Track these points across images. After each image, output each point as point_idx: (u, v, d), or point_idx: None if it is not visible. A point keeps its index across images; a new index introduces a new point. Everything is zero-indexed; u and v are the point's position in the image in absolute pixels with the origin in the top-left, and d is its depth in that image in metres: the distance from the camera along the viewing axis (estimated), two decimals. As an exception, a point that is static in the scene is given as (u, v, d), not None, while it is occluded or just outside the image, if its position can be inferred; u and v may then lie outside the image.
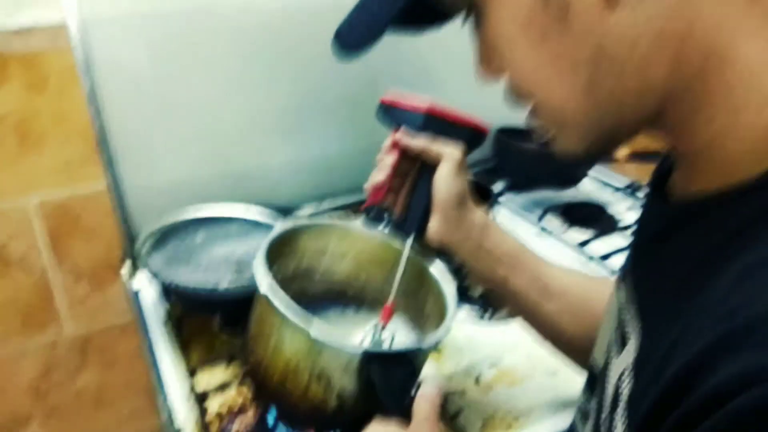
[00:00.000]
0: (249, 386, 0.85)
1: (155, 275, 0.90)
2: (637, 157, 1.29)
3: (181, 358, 0.90)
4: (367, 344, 0.69)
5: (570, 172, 1.33)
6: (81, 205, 1.14)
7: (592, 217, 1.28)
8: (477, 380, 0.87)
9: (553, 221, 1.28)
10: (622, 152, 1.28)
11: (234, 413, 0.82)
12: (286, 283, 0.77)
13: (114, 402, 1.34)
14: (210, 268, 0.99)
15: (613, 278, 0.58)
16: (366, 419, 0.62)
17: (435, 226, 0.72)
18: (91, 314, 1.25)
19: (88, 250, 1.17)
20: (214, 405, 0.84)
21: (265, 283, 0.65)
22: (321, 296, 0.84)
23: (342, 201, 1.25)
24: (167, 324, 0.98)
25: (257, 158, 1.16)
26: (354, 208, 1.22)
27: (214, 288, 0.88)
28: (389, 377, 0.60)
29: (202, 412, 0.82)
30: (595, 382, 0.56)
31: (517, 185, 1.37)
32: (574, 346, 0.74)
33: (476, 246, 0.72)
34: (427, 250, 0.79)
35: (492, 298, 0.78)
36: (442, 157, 0.71)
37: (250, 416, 0.82)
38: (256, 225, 1.05)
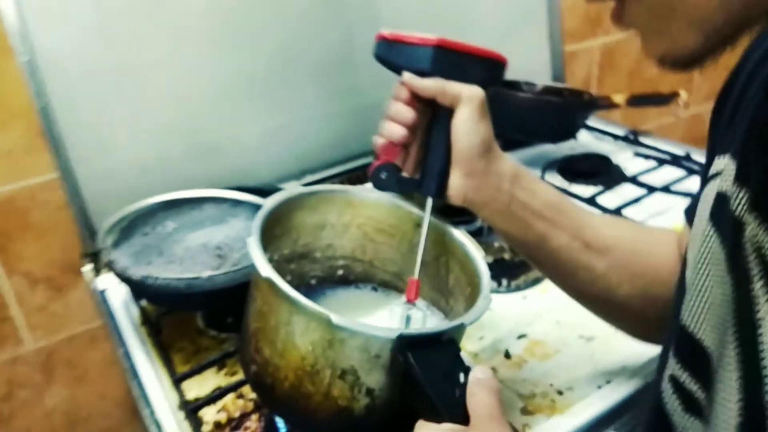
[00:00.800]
0: (249, 395, 0.72)
1: (122, 272, 0.75)
2: (638, 101, 1.19)
3: (163, 365, 0.77)
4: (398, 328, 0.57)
5: (566, 123, 1.22)
6: (29, 199, 0.98)
7: (595, 170, 1.18)
8: (507, 355, 0.76)
9: (554, 178, 1.18)
10: (620, 97, 1.18)
11: (236, 421, 0.70)
12: (280, 268, 0.64)
13: (90, 419, 1.19)
14: (186, 259, 0.85)
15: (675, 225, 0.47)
16: (404, 422, 0.50)
17: (457, 183, 0.60)
18: (52, 323, 1.09)
19: (42, 250, 1.01)
20: (210, 414, 0.71)
21: (266, 265, 0.52)
22: (323, 279, 0.72)
23: (327, 173, 1.12)
24: (143, 327, 0.84)
25: (228, 130, 1.02)
26: (342, 180, 1.10)
27: (193, 280, 0.75)
28: (433, 365, 0.49)
29: (197, 423, 0.69)
30: (697, 349, 0.44)
31: (509, 144, 1.26)
32: (628, 308, 0.64)
33: (507, 201, 0.61)
34: (442, 213, 0.67)
35: (525, 260, 0.67)
36: (459, 99, 0.59)
37: (255, 421, 0.70)
38: (234, 205, 0.91)
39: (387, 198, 0.67)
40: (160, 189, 0.91)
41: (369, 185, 0.66)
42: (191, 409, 0.70)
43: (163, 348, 0.79)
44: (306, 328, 0.51)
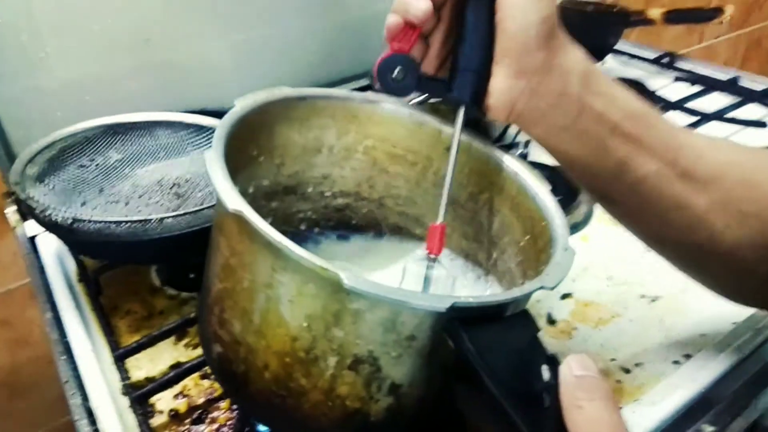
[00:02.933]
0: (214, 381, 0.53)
1: (42, 214, 0.54)
2: (677, 17, 1.00)
3: (104, 335, 0.57)
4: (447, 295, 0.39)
5: (593, 43, 1.02)
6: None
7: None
8: (551, 320, 0.58)
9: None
10: (656, 12, 0.98)
11: (200, 410, 0.51)
12: (257, 205, 0.45)
13: (34, 388, 1.00)
14: (134, 199, 0.65)
15: None
16: None
17: (503, 86, 0.41)
18: (-21, 278, 0.89)
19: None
20: (164, 401, 0.52)
21: (233, 193, 0.32)
22: (315, 223, 0.52)
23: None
24: (81, 284, 0.64)
25: (188, 45, 0.79)
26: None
27: (140, 224, 0.54)
28: (501, 352, 0.30)
29: (145, 414, 0.51)
30: None
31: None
32: (736, 261, 0.45)
33: (575, 112, 0.41)
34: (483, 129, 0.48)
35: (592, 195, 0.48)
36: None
37: (225, 410, 0.51)
38: (196, 132, 0.70)
39: (407, 111, 0.47)
40: (101, 112, 0.70)
41: (376, 95, 0.47)
42: (139, 395, 0.50)
43: (104, 313, 0.59)
44: (299, 292, 0.31)
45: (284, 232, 0.50)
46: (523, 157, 0.56)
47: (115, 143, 0.69)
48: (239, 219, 0.31)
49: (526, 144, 0.58)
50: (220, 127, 0.37)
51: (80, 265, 0.65)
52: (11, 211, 0.72)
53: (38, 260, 0.67)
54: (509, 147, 0.60)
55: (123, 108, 0.71)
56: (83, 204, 0.62)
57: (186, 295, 0.63)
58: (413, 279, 0.43)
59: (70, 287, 0.63)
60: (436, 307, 0.29)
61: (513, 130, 0.76)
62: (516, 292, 0.32)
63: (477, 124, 0.49)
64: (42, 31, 0.71)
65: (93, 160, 0.67)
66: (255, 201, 0.46)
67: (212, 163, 0.33)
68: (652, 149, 0.43)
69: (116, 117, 0.69)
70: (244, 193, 0.41)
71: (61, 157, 0.65)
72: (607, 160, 0.43)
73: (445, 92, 0.43)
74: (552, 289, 0.34)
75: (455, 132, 0.43)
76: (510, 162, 0.45)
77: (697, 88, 0.99)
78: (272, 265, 0.31)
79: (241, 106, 0.40)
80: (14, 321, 0.95)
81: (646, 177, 0.43)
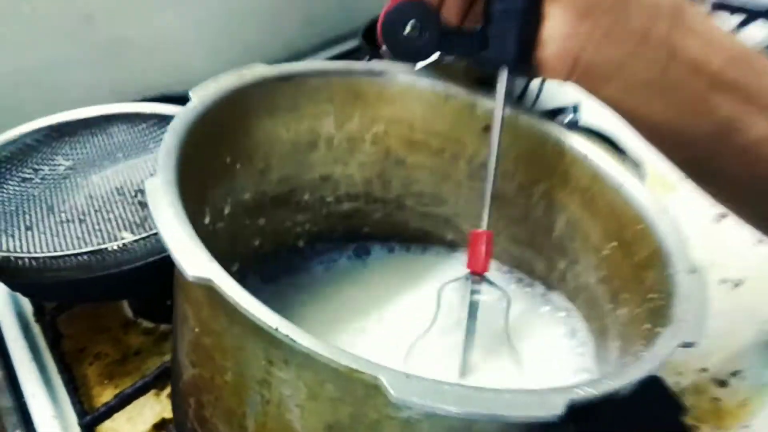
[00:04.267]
0: None
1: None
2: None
3: (69, 393, 0.46)
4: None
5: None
6: None
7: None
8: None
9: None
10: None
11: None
12: (237, 228, 0.33)
13: None
14: (90, 215, 0.52)
15: None
16: None
17: (563, 31, 0.29)
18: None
19: None
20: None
21: (192, 251, 0.20)
22: (316, 237, 0.40)
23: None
24: (37, 326, 0.52)
25: (140, 16, 0.65)
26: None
27: (98, 254, 0.42)
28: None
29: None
30: None
31: None
32: None
33: (663, 59, 0.30)
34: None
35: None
36: None
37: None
38: (159, 124, 0.57)
39: (427, 81, 0.35)
40: (42, 111, 0.56)
41: (383, 63, 0.34)
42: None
43: (66, 363, 0.47)
44: (312, 395, 0.20)
45: (277, 252, 0.39)
46: (573, 125, 0.44)
47: (63, 147, 0.56)
48: (208, 289, 0.19)
49: (575, 108, 0.46)
50: (170, 133, 0.24)
51: (35, 302, 0.52)
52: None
53: (-16, 300, 0.54)
54: (552, 114, 0.48)
55: (68, 103, 0.58)
56: (28, 229, 0.49)
57: (165, 328, 0.51)
58: (453, 309, 0.32)
59: (26, 330, 0.51)
60: (544, 417, 0.18)
61: (535, 86, 0.63)
62: (647, 364, 0.21)
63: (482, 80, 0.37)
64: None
65: (37, 170, 0.54)
66: (235, 221, 0.34)
67: (155, 197, 0.21)
68: (764, 104, 0.31)
69: (61, 115, 0.56)
70: (218, 215, 0.29)
71: (-5, 171, 0.52)
72: (706, 122, 0.31)
73: (478, 49, 0.31)
74: (692, 345, 0.22)
75: (497, 103, 0.31)
76: (577, 141, 0.32)
77: (738, 18, 0.85)
78: (267, 356, 0.20)
79: (200, 99, 0.27)
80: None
81: (760, 141, 0.31)
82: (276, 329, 0.18)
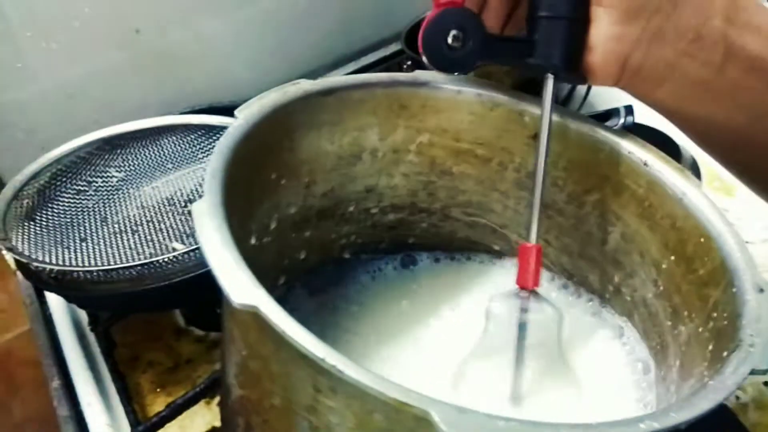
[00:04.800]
0: None
1: (25, 264, 0.44)
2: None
3: (123, 402, 0.47)
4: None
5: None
6: None
7: None
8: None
9: None
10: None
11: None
12: (284, 242, 0.33)
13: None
14: (143, 225, 0.53)
15: None
16: None
17: (611, 31, 0.28)
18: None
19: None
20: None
21: (239, 277, 0.20)
22: (362, 248, 0.40)
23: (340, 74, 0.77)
24: (93, 335, 0.53)
25: (185, 28, 0.66)
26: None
27: (149, 267, 0.43)
28: None
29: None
30: None
31: None
32: None
33: (719, 58, 0.28)
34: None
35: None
36: None
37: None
38: (207, 135, 0.58)
39: (473, 91, 0.34)
40: (94, 124, 0.58)
41: (427, 73, 0.33)
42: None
43: (120, 372, 0.49)
44: (361, 424, 0.19)
45: (324, 264, 0.39)
46: (628, 129, 0.42)
47: (115, 159, 0.57)
48: (257, 317, 0.19)
49: (628, 110, 0.44)
50: (216, 155, 0.25)
51: (91, 318, 0.54)
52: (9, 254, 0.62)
53: (41, 309, 0.56)
54: (603, 117, 0.46)
55: (119, 116, 0.60)
56: (83, 240, 0.51)
57: (216, 336, 0.52)
58: (502, 327, 0.30)
59: (82, 339, 0.53)
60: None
61: (582, 89, 0.61)
62: (715, 394, 0.19)
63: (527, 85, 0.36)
64: (15, 36, 0.59)
65: (91, 182, 0.56)
66: (281, 236, 0.33)
67: (202, 222, 0.21)
68: None
69: (113, 128, 0.57)
70: (264, 230, 0.29)
71: (53, 184, 0.54)
72: (765, 121, 0.29)
73: (523, 56, 0.30)
74: (766, 372, 0.20)
75: (544, 110, 0.29)
76: (632, 147, 0.31)
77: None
78: (314, 383, 0.19)
79: (245, 117, 0.27)
80: (5, 369, 0.86)
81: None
82: (323, 359, 0.17)
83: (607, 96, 0.64)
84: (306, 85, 0.30)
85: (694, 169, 0.53)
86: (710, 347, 0.25)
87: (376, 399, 0.17)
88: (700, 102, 0.29)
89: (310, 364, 0.18)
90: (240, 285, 0.19)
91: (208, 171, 0.23)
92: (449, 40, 0.29)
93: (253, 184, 0.29)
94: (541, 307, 0.30)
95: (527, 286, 0.30)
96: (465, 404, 0.17)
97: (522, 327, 0.30)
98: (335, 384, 0.19)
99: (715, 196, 0.53)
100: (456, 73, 0.33)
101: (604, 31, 0.28)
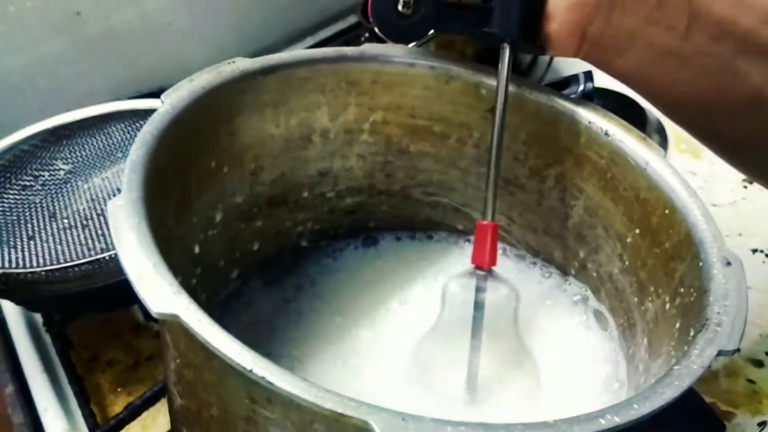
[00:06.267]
0: None
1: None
2: None
3: (82, 406, 0.45)
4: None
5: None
6: None
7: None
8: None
9: None
10: None
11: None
12: (234, 235, 0.31)
13: None
14: (93, 219, 0.51)
15: None
16: None
17: (570, 0, 0.26)
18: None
19: None
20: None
21: (157, 284, 0.18)
22: (320, 234, 0.38)
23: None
24: (48, 335, 0.51)
25: (130, 6, 0.63)
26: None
27: (97, 264, 0.40)
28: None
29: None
30: None
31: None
32: None
33: (683, 24, 0.27)
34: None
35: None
36: None
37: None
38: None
39: (426, 63, 0.32)
40: (37, 113, 0.55)
41: (376, 46, 0.31)
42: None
43: (77, 374, 0.46)
44: (302, 435, 0.18)
45: (281, 253, 0.37)
46: (588, 96, 0.40)
47: (62, 151, 0.54)
48: (179, 324, 0.17)
49: (587, 76, 0.42)
50: (137, 146, 0.22)
51: (45, 318, 0.51)
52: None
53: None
54: (560, 86, 0.44)
55: (65, 104, 0.56)
56: (30, 239, 0.48)
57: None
58: (457, 307, 0.29)
59: (37, 340, 0.50)
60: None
61: (545, 58, 0.59)
62: (681, 379, 0.18)
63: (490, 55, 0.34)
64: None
65: (37, 176, 0.53)
66: (230, 227, 0.31)
67: (117, 221, 0.19)
68: None
69: (57, 118, 0.54)
70: (208, 223, 0.27)
71: (-6, 181, 0.51)
72: (735, 92, 0.28)
73: (478, 25, 0.28)
74: (733, 353, 0.19)
75: (500, 82, 0.28)
76: (593, 117, 0.29)
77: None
78: (249, 393, 0.18)
79: (171, 102, 0.25)
80: None
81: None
82: (250, 370, 0.16)
83: (572, 62, 0.62)
84: (243, 64, 0.28)
85: (661, 132, 0.52)
86: (677, 325, 0.24)
87: (313, 410, 0.16)
88: (664, 70, 0.28)
89: (240, 374, 0.17)
90: (159, 292, 0.17)
91: (128, 164, 0.21)
92: (399, 7, 0.27)
93: (188, 174, 0.26)
94: (497, 287, 0.29)
95: (483, 265, 0.29)
96: (413, 403, 0.16)
97: (477, 306, 0.29)
98: (270, 395, 0.17)
99: (682, 158, 0.52)
100: (409, 44, 0.31)
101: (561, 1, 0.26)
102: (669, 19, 0.26)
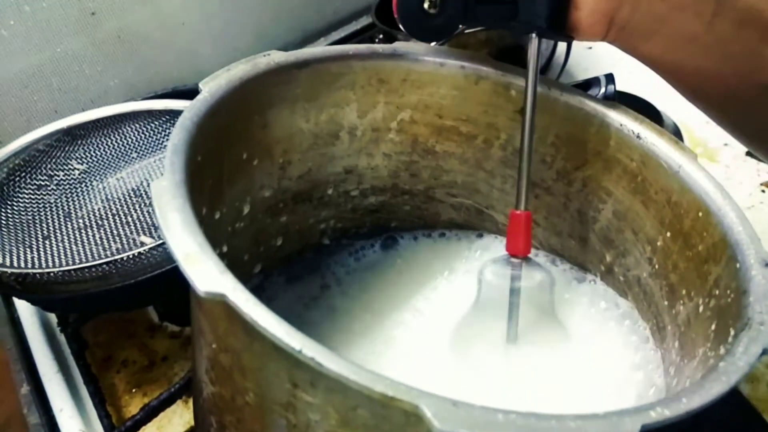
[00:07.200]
0: None
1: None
2: None
3: (98, 408, 0.44)
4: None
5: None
6: None
7: None
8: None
9: None
10: None
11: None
12: (259, 228, 0.31)
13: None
14: (108, 219, 0.51)
15: None
16: None
17: None
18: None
19: None
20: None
21: (204, 264, 0.18)
22: (342, 232, 0.38)
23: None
24: (62, 335, 0.51)
25: (144, 5, 0.63)
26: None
27: (113, 265, 0.40)
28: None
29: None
30: None
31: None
32: None
33: (709, 10, 0.27)
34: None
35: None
36: None
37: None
38: (170, 120, 0.55)
39: (455, 63, 0.32)
40: (51, 113, 0.56)
41: (407, 44, 0.32)
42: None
43: (92, 374, 0.46)
44: (343, 421, 0.18)
45: (303, 251, 0.37)
46: (610, 98, 0.40)
47: (77, 150, 0.54)
48: (223, 304, 0.17)
49: (609, 78, 0.42)
50: (178, 130, 0.22)
51: (60, 319, 0.51)
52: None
53: (11, 311, 0.53)
54: (581, 88, 0.44)
55: (79, 103, 0.57)
56: (45, 238, 0.48)
57: (191, 331, 0.50)
58: (494, 294, 0.29)
59: (52, 341, 0.50)
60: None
61: (560, 57, 0.59)
62: (727, 376, 0.18)
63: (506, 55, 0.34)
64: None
65: (52, 176, 0.53)
66: (256, 221, 0.31)
67: (162, 202, 0.19)
68: None
69: (73, 118, 0.54)
70: (237, 215, 0.27)
71: (12, 180, 0.50)
72: (759, 78, 0.28)
73: (506, 18, 0.28)
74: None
75: (530, 72, 0.28)
76: (624, 119, 0.29)
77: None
78: (291, 377, 0.17)
79: (210, 91, 0.25)
80: None
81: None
82: (300, 351, 0.16)
83: (586, 64, 0.63)
84: (278, 57, 0.28)
85: (677, 135, 0.53)
86: (713, 326, 0.23)
87: (360, 393, 0.16)
88: (689, 55, 0.28)
89: (285, 356, 0.16)
90: (205, 271, 0.17)
91: (169, 147, 0.21)
92: (425, 5, 0.28)
93: (221, 163, 0.26)
94: (532, 274, 0.29)
95: (518, 253, 0.29)
96: (461, 393, 0.16)
97: (513, 296, 0.29)
98: (314, 378, 0.17)
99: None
100: (435, 43, 0.32)
101: None
102: (696, 5, 0.27)
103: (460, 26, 0.29)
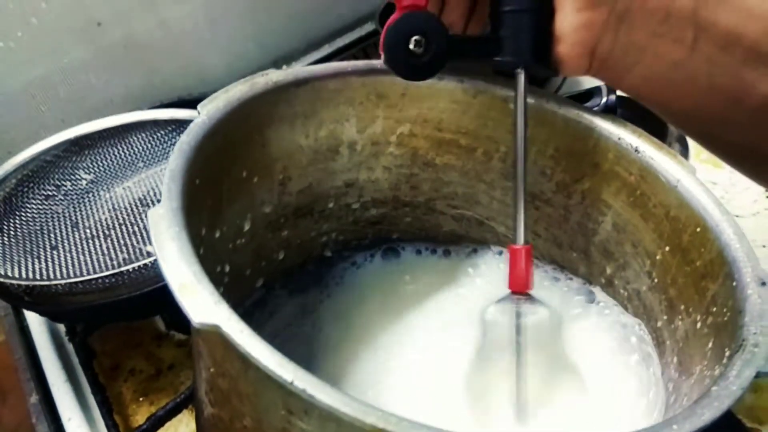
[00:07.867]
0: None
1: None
2: None
3: (104, 416, 0.45)
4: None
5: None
6: None
7: None
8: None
9: None
10: None
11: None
12: (261, 245, 0.31)
13: None
14: (115, 229, 0.51)
15: None
16: None
17: (576, 19, 0.27)
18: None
19: None
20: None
21: (200, 296, 0.18)
22: (343, 245, 0.38)
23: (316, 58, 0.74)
24: (71, 344, 0.51)
25: (149, 14, 0.63)
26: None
27: (119, 277, 0.41)
28: None
29: None
30: None
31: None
32: None
33: (690, 37, 0.27)
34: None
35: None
36: None
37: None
38: (176, 130, 0.55)
39: (454, 78, 0.32)
40: (59, 123, 0.56)
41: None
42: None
43: (100, 383, 0.47)
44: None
45: (305, 264, 0.37)
46: (611, 109, 0.40)
47: (84, 160, 0.55)
48: (223, 339, 0.17)
49: (610, 88, 0.42)
50: (175, 155, 0.23)
51: (68, 330, 0.52)
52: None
53: (20, 320, 0.54)
54: (582, 98, 0.44)
55: (86, 113, 0.57)
56: (53, 249, 0.49)
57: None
58: (499, 334, 0.29)
59: (60, 350, 0.50)
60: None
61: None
62: (720, 401, 0.18)
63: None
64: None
65: (60, 186, 0.54)
66: (257, 236, 0.32)
67: (158, 230, 0.19)
68: None
69: (79, 128, 0.54)
70: (237, 232, 0.27)
71: (19, 190, 0.51)
72: (744, 101, 0.28)
73: (491, 54, 0.28)
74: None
75: (518, 106, 0.28)
76: (622, 132, 0.29)
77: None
78: (285, 405, 0.18)
79: (208, 113, 0.25)
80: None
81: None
82: (291, 383, 0.16)
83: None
84: (276, 76, 0.28)
85: (681, 141, 0.52)
86: (710, 344, 0.24)
87: (352, 425, 0.16)
88: (673, 83, 0.28)
89: (278, 386, 0.17)
90: (200, 301, 0.18)
91: (167, 173, 0.21)
92: (411, 46, 0.28)
93: (221, 183, 0.27)
94: (536, 310, 0.29)
95: (520, 290, 0.29)
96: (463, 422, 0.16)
97: (519, 331, 0.29)
98: (307, 407, 0.17)
99: (703, 168, 0.52)
100: (422, 81, 0.32)
101: (570, 20, 0.27)
102: (675, 32, 0.27)
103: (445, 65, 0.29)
